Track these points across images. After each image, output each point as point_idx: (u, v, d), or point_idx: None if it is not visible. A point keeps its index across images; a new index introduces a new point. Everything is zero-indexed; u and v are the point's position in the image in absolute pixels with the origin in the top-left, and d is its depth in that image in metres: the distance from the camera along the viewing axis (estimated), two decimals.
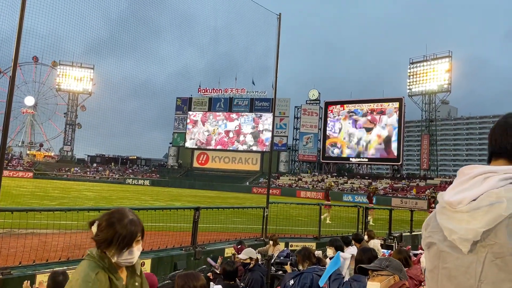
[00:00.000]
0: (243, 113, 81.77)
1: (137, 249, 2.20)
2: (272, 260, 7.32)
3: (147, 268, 8.24)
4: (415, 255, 9.22)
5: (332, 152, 76.01)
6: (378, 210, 18.59)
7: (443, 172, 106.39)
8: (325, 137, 76.62)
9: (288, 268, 6.11)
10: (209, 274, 6.22)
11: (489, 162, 1.44)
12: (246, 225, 14.66)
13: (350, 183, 65.85)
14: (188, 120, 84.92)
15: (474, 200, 1.26)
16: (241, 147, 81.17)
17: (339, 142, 75.50)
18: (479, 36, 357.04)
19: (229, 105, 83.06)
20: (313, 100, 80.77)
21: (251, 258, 6.27)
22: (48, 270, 6.46)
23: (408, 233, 15.66)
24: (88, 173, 77.44)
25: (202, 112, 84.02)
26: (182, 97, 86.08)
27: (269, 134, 77.42)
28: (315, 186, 65.93)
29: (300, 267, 5.14)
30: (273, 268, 7.28)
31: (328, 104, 78.00)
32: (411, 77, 71.53)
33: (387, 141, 70.34)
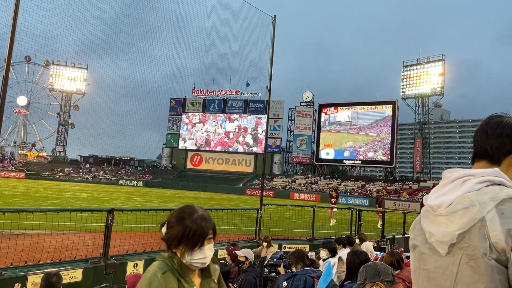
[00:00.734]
0: (243, 114, 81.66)
1: (208, 248, 2.03)
2: (265, 262, 7.32)
3: (139, 269, 8.21)
4: (408, 257, 9.27)
5: (326, 154, 76.23)
6: (371, 213, 18.68)
7: (435, 175, 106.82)
8: (319, 139, 76.83)
9: (281, 270, 6.12)
10: None
11: (472, 163, 1.50)
12: (239, 227, 14.64)
13: (344, 185, 66.00)
14: (188, 121, 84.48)
15: (451, 204, 1.31)
16: (241, 148, 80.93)
17: (332, 144, 75.71)
18: (471, 41, 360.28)
19: (223, 107, 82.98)
20: (307, 102, 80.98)
21: (246, 258, 6.28)
22: (40, 271, 6.42)
23: (401, 236, 15.72)
24: (81, 173, 76.93)
25: (201, 113, 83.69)
26: (176, 98, 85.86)
27: None
28: (308, 188, 66.05)
29: (294, 269, 5.14)
30: (266, 270, 7.28)
31: (322, 106, 78.26)
32: (405, 80, 71.95)
33: (381, 143, 70.69)
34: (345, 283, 4.42)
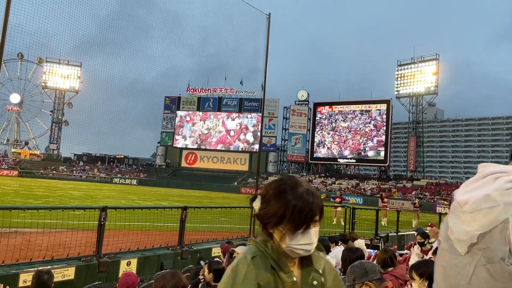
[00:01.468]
0: (242, 113, 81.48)
1: (314, 232, 1.61)
2: None
3: (133, 268, 8.17)
4: (401, 255, 9.31)
5: (321, 152, 76.43)
6: (365, 211, 18.72)
7: (429, 173, 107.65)
8: (314, 137, 77.00)
9: None
10: (201, 277, 6.16)
11: (510, 159, 1.40)
12: (233, 225, 14.63)
13: (338, 184, 66.21)
14: (188, 118, 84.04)
15: (477, 201, 1.21)
16: (242, 146, 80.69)
17: (327, 142, 75.92)
18: (464, 40, 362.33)
19: (218, 105, 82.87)
20: (302, 101, 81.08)
21: None
22: (32, 269, 6.37)
23: (395, 234, 15.80)
24: (75, 172, 76.53)
25: (203, 112, 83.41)
26: (170, 96, 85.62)
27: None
28: None
29: None
30: None
31: (316, 105, 78.43)
32: (399, 79, 72.26)
33: (375, 142, 70.97)
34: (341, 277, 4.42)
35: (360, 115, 72.56)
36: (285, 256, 1.60)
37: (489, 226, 1.14)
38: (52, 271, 4.97)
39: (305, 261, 1.66)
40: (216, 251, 9.75)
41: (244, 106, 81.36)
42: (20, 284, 6.16)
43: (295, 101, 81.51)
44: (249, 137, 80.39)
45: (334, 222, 19.62)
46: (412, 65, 70.73)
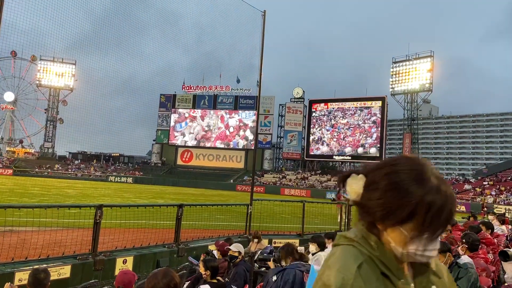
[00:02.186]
0: (239, 110, 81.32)
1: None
2: (255, 257, 7.34)
3: (129, 265, 8.17)
4: None
5: (316, 149, 76.59)
6: None
7: None
8: (309, 135, 77.11)
9: (271, 264, 6.14)
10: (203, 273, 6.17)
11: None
12: (229, 222, 14.65)
13: (334, 181, 66.40)
14: (187, 115, 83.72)
15: None
16: (241, 142, 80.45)
17: (322, 140, 76.08)
18: (458, 38, 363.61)
19: (213, 103, 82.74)
20: (297, 98, 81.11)
21: (239, 253, 6.30)
22: (28, 267, 6.35)
23: None
24: (70, 170, 76.23)
25: (204, 109, 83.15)
26: (165, 94, 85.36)
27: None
28: (299, 183, 66.29)
29: (283, 263, 5.16)
30: (256, 265, 7.30)
31: (312, 102, 78.53)
32: (394, 76, 72.48)
33: (370, 139, 71.22)
34: None
35: (359, 111, 72.61)
36: (393, 258, 1.20)
37: None
38: (48, 269, 4.96)
39: (418, 264, 1.23)
40: (213, 248, 9.76)
41: (240, 104, 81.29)
42: (16, 282, 6.14)
43: (291, 99, 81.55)
44: (248, 133, 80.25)
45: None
46: (407, 62, 70.95)
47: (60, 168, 76.25)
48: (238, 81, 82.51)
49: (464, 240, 5.52)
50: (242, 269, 6.09)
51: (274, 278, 4.82)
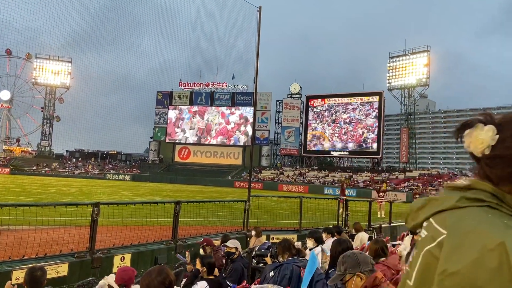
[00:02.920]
0: (236, 106, 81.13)
1: None
2: (253, 253, 7.35)
3: (126, 263, 8.17)
4: (394, 245, 9.39)
5: (314, 145, 76.65)
6: (358, 203, 18.88)
7: (421, 164, 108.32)
8: (307, 131, 77.14)
9: (268, 259, 6.15)
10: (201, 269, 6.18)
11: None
12: (227, 219, 14.66)
13: (331, 176, 66.51)
14: (187, 111, 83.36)
15: None
16: (242, 137, 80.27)
17: (320, 135, 76.14)
18: (454, 32, 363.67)
19: (210, 99, 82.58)
20: (294, 94, 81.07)
21: (236, 249, 6.31)
22: (25, 266, 6.34)
23: (387, 225, 15.93)
24: (67, 168, 76.05)
25: (201, 106, 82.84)
26: (162, 91, 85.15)
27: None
28: (297, 179, 66.35)
29: (280, 259, 5.16)
30: (254, 261, 7.31)
31: (309, 98, 78.53)
32: (391, 71, 72.48)
33: (367, 134, 71.31)
34: (330, 271, 4.45)
35: (361, 106, 72.48)
36: None
37: None
38: (45, 267, 4.95)
39: None
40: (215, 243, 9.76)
41: (237, 100, 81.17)
42: (13, 281, 6.12)
43: (288, 95, 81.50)
44: (249, 128, 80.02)
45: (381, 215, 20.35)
46: (404, 57, 70.93)
47: (57, 166, 76.06)
48: (233, 77, 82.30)
49: None
50: (239, 265, 6.10)
51: (272, 273, 4.83)
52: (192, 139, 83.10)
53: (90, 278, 6.09)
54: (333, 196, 26.78)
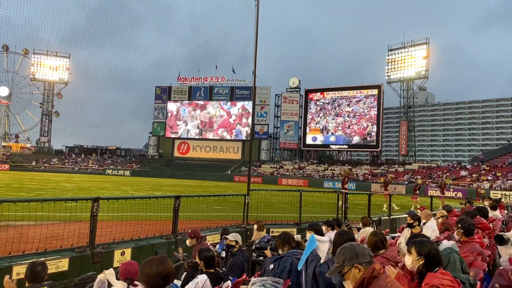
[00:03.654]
0: (235, 101, 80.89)
1: None
2: (253, 246, 7.37)
3: (127, 257, 8.19)
4: (393, 237, 9.42)
5: (313, 139, 76.65)
6: (357, 196, 18.92)
7: (420, 157, 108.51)
8: (306, 124, 77.11)
9: (268, 252, 6.16)
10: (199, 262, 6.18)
11: None
12: (227, 213, 14.68)
13: (331, 170, 66.57)
14: (191, 109, 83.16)
15: None
16: (244, 130, 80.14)
17: (319, 129, 76.13)
18: (452, 24, 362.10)
19: (209, 94, 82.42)
20: (293, 88, 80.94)
21: (236, 242, 6.31)
22: (25, 261, 6.36)
23: (387, 217, 15.98)
24: (67, 164, 76.06)
25: (200, 101, 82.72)
26: (161, 86, 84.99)
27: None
28: (296, 173, 66.42)
29: (280, 251, 5.18)
30: (254, 254, 7.33)
31: (308, 91, 78.42)
32: (390, 64, 72.32)
33: (367, 127, 71.31)
34: (331, 257, 4.46)
35: (365, 98, 72.32)
36: None
37: None
38: (46, 262, 4.96)
39: None
40: (210, 239, 9.79)
41: (236, 95, 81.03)
42: (14, 276, 6.14)
43: (287, 88, 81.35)
44: (251, 121, 79.78)
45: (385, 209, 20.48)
46: (403, 50, 70.76)
47: (57, 162, 76.06)
48: (233, 71, 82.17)
49: (459, 225, 5.54)
50: (239, 259, 6.12)
51: (271, 266, 4.84)
52: (193, 131, 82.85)
53: (91, 273, 6.11)
54: (333, 190, 26.81)
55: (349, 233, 4.80)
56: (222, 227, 11.12)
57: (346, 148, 74.69)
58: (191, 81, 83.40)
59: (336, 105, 75.17)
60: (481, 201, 23.13)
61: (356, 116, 72.47)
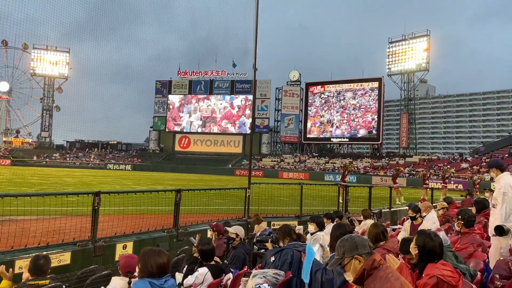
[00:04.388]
0: (236, 95, 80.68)
1: None
2: (254, 239, 7.42)
3: (129, 250, 8.23)
4: (394, 229, 9.46)
5: (314, 132, 76.61)
6: (358, 188, 18.95)
7: (421, 150, 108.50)
8: (307, 118, 77.04)
9: (269, 245, 6.19)
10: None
11: None
12: (228, 206, 14.73)
13: (332, 163, 66.60)
14: (194, 101, 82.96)
15: None
16: (247, 122, 79.59)
17: (320, 122, 76.06)
18: (452, 17, 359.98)
19: (209, 88, 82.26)
20: (294, 81, 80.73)
21: (237, 235, 6.34)
22: (27, 255, 6.39)
23: (388, 209, 16.01)
24: (68, 159, 76.18)
25: (204, 95, 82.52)
26: (161, 80, 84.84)
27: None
28: (297, 166, 66.48)
29: (281, 244, 5.20)
30: (255, 247, 7.37)
31: (308, 85, 78.24)
32: (390, 56, 72.02)
33: (367, 120, 71.23)
34: (331, 255, 4.49)
35: (370, 91, 72.06)
36: None
37: None
38: (49, 256, 4.99)
39: None
40: (211, 232, 9.82)
41: (236, 88, 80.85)
42: (16, 270, 6.18)
43: (287, 82, 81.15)
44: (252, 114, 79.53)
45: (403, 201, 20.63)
46: (403, 42, 70.42)
47: (58, 157, 76.17)
48: (234, 65, 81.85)
49: (460, 217, 5.57)
50: (241, 251, 6.15)
51: (272, 258, 4.86)
52: (197, 123, 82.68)
53: (93, 266, 6.14)
54: (333, 183, 26.83)
55: (345, 226, 4.83)
56: (224, 220, 11.15)
57: (346, 141, 74.68)
58: (191, 75, 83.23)
59: (340, 97, 74.92)
60: (478, 193, 23.23)
61: (361, 109, 72.24)
